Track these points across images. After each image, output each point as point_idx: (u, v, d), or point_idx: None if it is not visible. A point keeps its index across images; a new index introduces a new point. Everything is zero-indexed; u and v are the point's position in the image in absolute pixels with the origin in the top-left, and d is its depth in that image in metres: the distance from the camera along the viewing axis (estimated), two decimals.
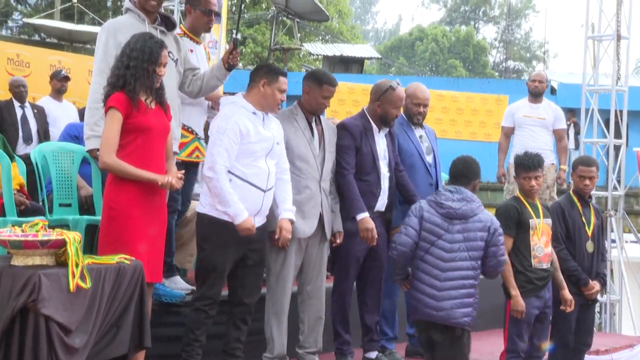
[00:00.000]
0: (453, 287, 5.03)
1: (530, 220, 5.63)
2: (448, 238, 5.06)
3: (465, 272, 5.04)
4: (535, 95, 8.84)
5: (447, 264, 5.03)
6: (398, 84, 5.69)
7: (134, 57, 4.45)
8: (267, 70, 5.05)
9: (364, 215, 5.44)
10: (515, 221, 5.61)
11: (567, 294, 5.85)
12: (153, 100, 4.59)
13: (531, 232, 5.61)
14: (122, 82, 4.44)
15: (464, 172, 5.30)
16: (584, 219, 6.13)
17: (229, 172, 4.85)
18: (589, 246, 6.11)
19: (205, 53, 5.83)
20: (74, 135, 6.62)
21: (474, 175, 5.29)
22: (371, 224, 5.43)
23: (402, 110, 5.93)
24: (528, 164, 5.66)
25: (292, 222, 5.14)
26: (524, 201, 5.70)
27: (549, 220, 5.82)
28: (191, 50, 5.57)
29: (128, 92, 4.43)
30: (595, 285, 6.17)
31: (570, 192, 6.28)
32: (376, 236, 5.47)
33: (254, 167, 4.91)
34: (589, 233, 6.13)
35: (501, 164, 8.99)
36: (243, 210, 4.81)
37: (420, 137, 6.06)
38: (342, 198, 5.55)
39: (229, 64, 5.26)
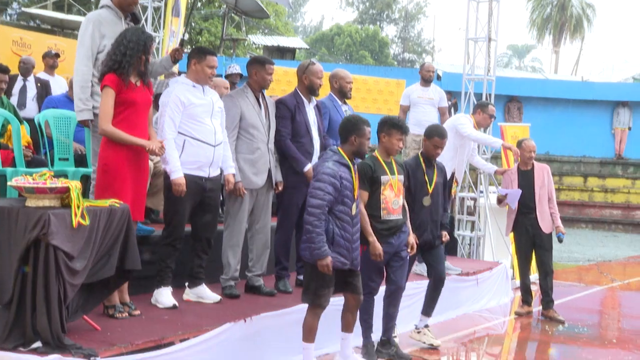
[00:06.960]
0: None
1: (382, 177, 4.96)
2: None
3: None
4: (426, 81, 8.92)
5: None
6: (314, 62, 5.68)
7: (131, 47, 4.35)
8: (197, 52, 4.94)
9: (310, 167, 5.43)
10: (368, 178, 4.91)
11: (410, 239, 5.18)
12: (139, 80, 4.49)
13: (382, 188, 4.95)
14: (117, 66, 4.33)
15: (340, 132, 4.74)
16: (426, 178, 5.61)
17: (182, 134, 4.77)
18: (425, 200, 5.60)
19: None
20: (52, 106, 6.49)
21: (346, 132, 4.65)
22: None
23: (330, 86, 5.98)
24: (403, 128, 5.04)
25: (234, 175, 5.08)
26: (381, 160, 5.02)
27: (402, 177, 5.16)
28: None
29: (120, 74, 4.33)
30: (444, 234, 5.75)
31: (419, 154, 5.73)
32: None
33: (201, 126, 4.84)
34: (430, 190, 5.61)
35: None
36: (179, 169, 4.72)
37: (345, 111, 6.10)
38: (284, 157, 5.54)
39: (174, 58, 5.15)
